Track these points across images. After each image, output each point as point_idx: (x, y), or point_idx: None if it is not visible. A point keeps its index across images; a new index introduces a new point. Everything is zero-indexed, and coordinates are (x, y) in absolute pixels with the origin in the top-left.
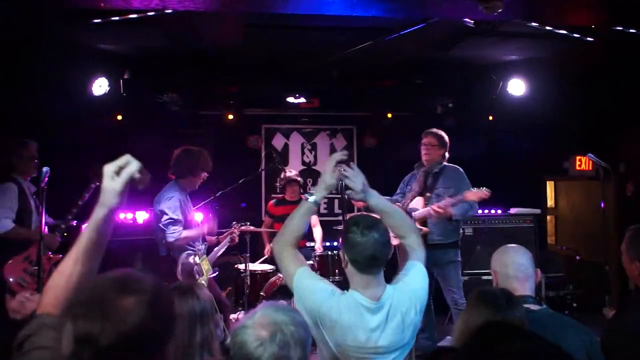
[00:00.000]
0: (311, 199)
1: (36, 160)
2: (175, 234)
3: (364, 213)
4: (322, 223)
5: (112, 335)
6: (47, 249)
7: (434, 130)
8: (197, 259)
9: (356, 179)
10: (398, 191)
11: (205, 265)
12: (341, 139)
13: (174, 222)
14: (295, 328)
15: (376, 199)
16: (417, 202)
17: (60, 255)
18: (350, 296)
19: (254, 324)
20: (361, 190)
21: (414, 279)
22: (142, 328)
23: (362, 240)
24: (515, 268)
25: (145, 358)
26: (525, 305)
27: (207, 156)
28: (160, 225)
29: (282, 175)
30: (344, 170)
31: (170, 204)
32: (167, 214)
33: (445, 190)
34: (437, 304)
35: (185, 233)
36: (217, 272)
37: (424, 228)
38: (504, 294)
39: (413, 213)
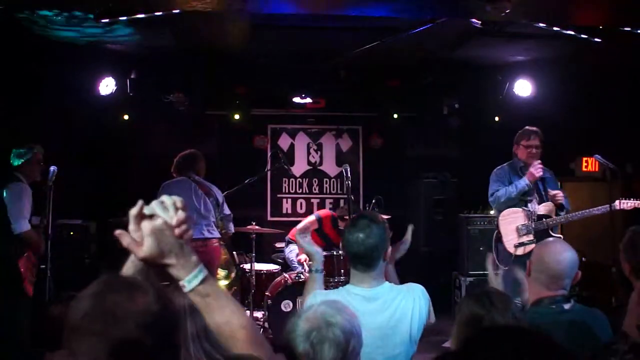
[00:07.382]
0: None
1: (42, 164)
2: None
3: (370, 211)
4: None
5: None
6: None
7: (536, 128)
8: None
9: None
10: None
11: None
12: (347, 139)
13: None
14: (335, 330)
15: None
16: (545, 209)
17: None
18: (344, 289)
19: (305, 316)
20: None
21: (417, 288)
22: (164, 321)
23: (349, 238)
24: (547, 274)
25: (172, 349)
26: (561, 305)
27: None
28: None
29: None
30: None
31: None
32: None
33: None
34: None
35: None
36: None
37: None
38: (487, 295)
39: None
